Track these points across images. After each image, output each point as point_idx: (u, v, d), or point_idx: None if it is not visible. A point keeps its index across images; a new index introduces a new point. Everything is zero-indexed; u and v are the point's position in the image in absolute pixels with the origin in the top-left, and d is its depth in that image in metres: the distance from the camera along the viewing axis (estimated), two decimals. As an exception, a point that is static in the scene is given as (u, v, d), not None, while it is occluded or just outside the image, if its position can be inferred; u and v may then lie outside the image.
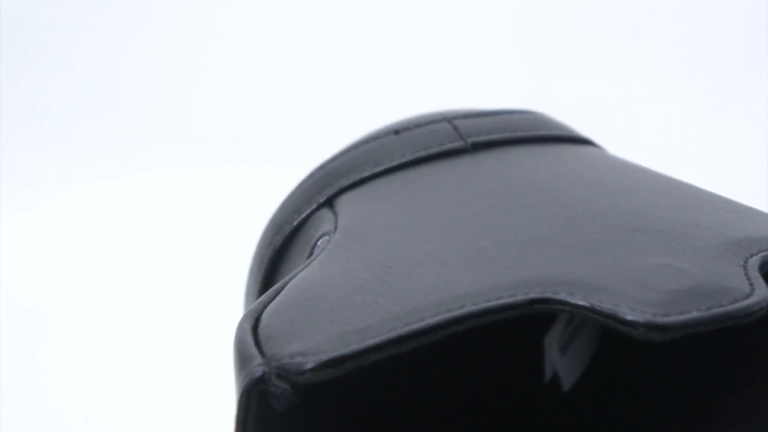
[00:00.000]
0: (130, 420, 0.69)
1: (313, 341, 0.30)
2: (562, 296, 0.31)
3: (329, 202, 0.46)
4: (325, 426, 0.45)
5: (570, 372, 0.49)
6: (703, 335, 0.43)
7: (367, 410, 0.49)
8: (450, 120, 0.50)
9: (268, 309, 0.33)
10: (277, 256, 0.48)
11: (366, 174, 0.47)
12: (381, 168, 0.47)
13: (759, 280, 0.32)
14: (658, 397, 0.51)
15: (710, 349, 0.48)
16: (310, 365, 0.29)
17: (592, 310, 0.30)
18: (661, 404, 0.51)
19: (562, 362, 0.48)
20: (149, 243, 0.92)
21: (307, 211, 0.47)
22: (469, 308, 0.30)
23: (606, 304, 0.30)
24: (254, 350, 0.31)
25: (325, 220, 0.45)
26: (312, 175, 0.49)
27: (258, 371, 0.29)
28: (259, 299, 0.35)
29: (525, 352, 0.51)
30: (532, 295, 0.31)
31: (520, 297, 0.31)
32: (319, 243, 0.42)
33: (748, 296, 0.31)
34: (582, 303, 0.31)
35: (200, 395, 0.67)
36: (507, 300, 0.31)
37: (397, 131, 0.49)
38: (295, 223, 0.47)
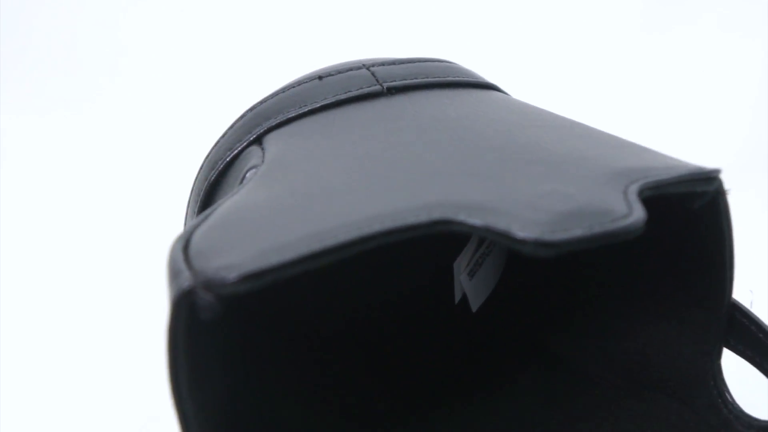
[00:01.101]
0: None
1: (236, 257, 0.31)
2: (461, 217, 0.32)
3: (258, 140, 0.47)
4: (248, 340, 0.46)
5: (477, 295, 0.51)
6: (603, 258, 0.44)
7: (288, 324, 0.51)
8: (368, 67, 0.51)
9: (197, 231, 0.34)
10: (212, 189, 0.49)
11: (291, 114, 0.48)
12: (305, 109, 0.48)
13: (637, 204, 0.34)
14: (560, 317, 0.53)
15: (609, 271, 0.50)
16: (232, 278, 0.30)
17: (488, 230, 0.32)
18: (562, 323, 0.53)
19: (470, 285, 0.50)
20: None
21: (239, 148, 0.48)
22: (377, 227, 0.31)
23: (500, 224, 0.31)
24: (183, 266, 0.31)
25: (254, 155, 0.46)
26: (243, 116, 0.50)
27: (186, 283, 0.30)
28: (191, 223, 0.36)
29: (439, 277, 0.52)
30: (435, 216, 0.32)
31: (424, 218, 0.32)
32: (247, 175, 0.43)
33: (626, 217, 0.32)
34: (479, 223, 0.32)
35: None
36: (411, 221, 0.32)
37: (320, 77, 0.50)
38: (227, 159, 0.48)
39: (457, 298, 0.50)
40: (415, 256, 0.54)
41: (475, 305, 0.50)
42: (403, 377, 0.52)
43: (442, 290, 0.52)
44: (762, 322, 0.43)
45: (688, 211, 0.41)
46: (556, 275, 0.53)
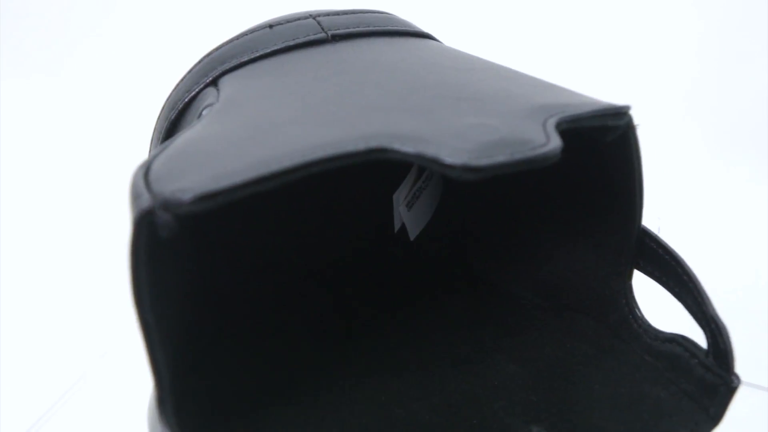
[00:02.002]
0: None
1: (191, 181, 0.32)
2: (395, 146, 0.34)
3: (214, 82, 0.49)
4: (208, 270, 0.48)
5: (415, 224, 0.52)
6: (528, 191, 0.46)
7: (246, 255, 0.52)
8: (315, 17, 0.52)
9: (157, 159, 0.35)
10: (172, 127, 0.50)
11: (244, 59, 0.49)
12: (257, 54, 0.49)
13: (554, 135, 0.36)
14: (491, 245, 0.55)
15: (534, 203, 0.52)
16: (187, 199, 0.31)
17: (419, 156, 0.33)
18: (493, 251, 0.55)
19: (408, 216, 0.51)
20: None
21: (196, 90, 0.49)
22: (319, 154, 0.33)
23: (430, 152, 0.33)
24: (144, 189, 0.33)
25: (209, 95, 0.47)
26: (200, 62, 0.51)
27: (145, 204, 0.32)
28: (151, 153, 0.37)
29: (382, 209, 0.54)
30: (372, 145, 0.34)
31: (362, 146, 0.34)
32: (204, 112, 0.45)
33: (544, 145, 0.34)
34: (411, 151, 0.33)
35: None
36: (351, 148, 0.34)
37: (270, 26, 0.52)
38: (186, 100, 0.50)
39: (397, 227, 0.52)
40: (361, 191, 0.56)
41: (413, 233, 0.52)
42: (348, 299, 0.54)
43: (385, 220, 0.53)
44: (668, 246, 0.45)
45: (602, 145, 0.43)
46: (486, 208, 0.55)
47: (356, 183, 0.55)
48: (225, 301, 0.48)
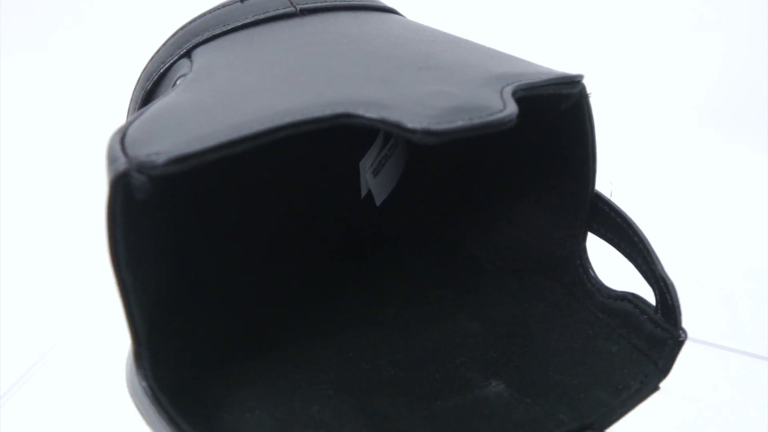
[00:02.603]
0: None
1: (164, 144, 0.33)
2: (360, 112, 0.34)
3: (188, 54, 0.49)
4: (183, 233, 0.48)
5: (380, 191, 0.53)
6: (489, 160, 0.47)
7: (220, 220, 0.53)
8: None
9: (132, 125, 0.36)
10: (147, 97, 0.51)
11: (217, 32, 0.50)
12: (228, 27, 0.50)
13: (510, 101, 0.36)
14: (455, 212, 0.56)
15: (495, 171, 0.53)
16: (161, 161, 0.32)
17: (382, 121, 0.34)
18: (457, 217, 0.56)
19: (374, 183, 0.52)
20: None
21: (170, 62, 0.50)
22: (287, 119, 0.34)
23: (393, 117, 0.34)
24: (120, 153, 0.33)
25: (183, 66, 0.48)
26: (174, 35, 0.52)
27: (122, 167, 0.32)
28: (127, 120, 0.38)
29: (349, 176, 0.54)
30: (338, 110, 0.34)
31: (328, 112, 0.34)
32: (177, 82, 0.45)
33: (501, 111, 0.35)
34: (375, 116, 0.34)
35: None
36: (317, 114, 0.34)
37: (242, 0, 0.52)
38: (161, 71, 0.50)
39: (363, 193, 0.52)
40: (328, 160, 0.57)
41: (378, 200, 0.53)
42: (317, 262, 0.55)
43: (352, 187, 0.54)
44: (620, 209, 0.46)
45: (557, 113, 0.44)
46: (448, 175, 0.55)
47: (327, 152, 0.56)
48: (200, 262, 0.49)
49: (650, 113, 0.90)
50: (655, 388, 0.44)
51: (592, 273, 0.48)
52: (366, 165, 0.50)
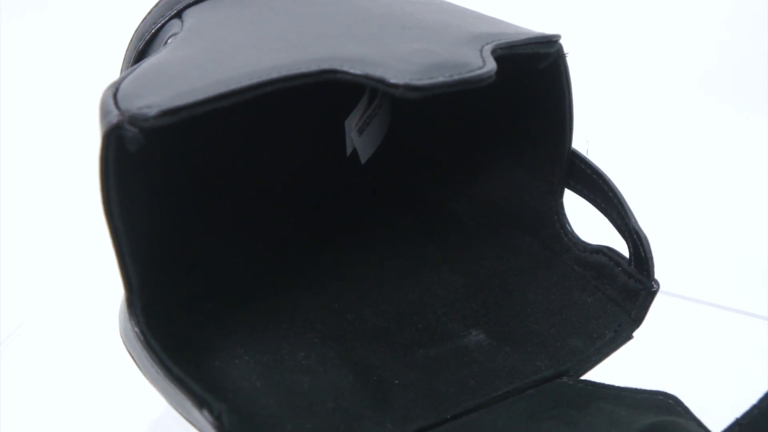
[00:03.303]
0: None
1: (156, 98, 0.33)
2: (345, 68, 0.35)
3: (178, 15, 0.49)
4: (173, 188, 0.49)
5: (365, 149, 0.54)
6: (469, 119, 0.47)
7: (209, 178, 0.53)
8: None
9: (125, 80, 0.36)
10: (140, 56, 0.51)
11: None
12: None
13: (490, 59, 0.37)
14: (436, 170, 0.56)
15: (474, 130, 0.53)
16: (153, 113, 0.32)
17: (365, 77, 0.34)
18: (438, 174, 0.56)
19: (359, 141, 0.52)
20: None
21: (162, 22, 0.50)
22: (274, 75, 0.34)
23: (376, 73, 0.34)
24: (113, 107, 0.34)
25: (174, 26, 0.48)
26: (166, -4, 0.52)
27: (114, 119, 0.32)
28: (120, 76, 0.38)
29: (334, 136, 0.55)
30: (323, 66, 0.35)
31: (314, 68, 0.35)
32: (169, 41, 0.45)
33: (480, 68, 0.36)
34: (359, 72, 0.35)
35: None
36: (304, 70, 0.35)
37: (232, -38, 0.52)
38: (153, 31, 0.50)
39: (348, 151, 0.53)
40: (315, 119, 0.57)
41: (363, 158, 0.53)
42: (306, 217, 0.55)
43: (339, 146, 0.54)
44: (596, 166, 0.47)
45: (535, 72, 0.44)
46: (431, 136, 0.56)
47: (314, 112, 0.56)
48: (190, 217, 0.49)
49: (632, 70, 0.90)
50: (629, 337, 0.45)
51: (568, 228, 0.49)
52: (351, 124, 0.51)
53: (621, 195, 0.45)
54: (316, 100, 0.55)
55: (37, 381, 0.54)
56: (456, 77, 0.34)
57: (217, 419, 0.34)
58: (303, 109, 0.56)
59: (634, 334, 0.45)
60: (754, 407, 0.40)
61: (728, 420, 0.41)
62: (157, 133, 0.33)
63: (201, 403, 0.35)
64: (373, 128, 0.52)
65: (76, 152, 0.66)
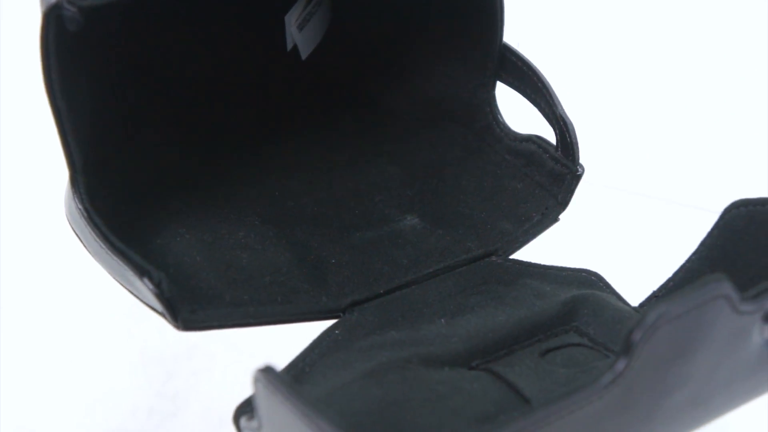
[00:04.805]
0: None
1: None
2: None
3: None
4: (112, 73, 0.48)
5: (306, 45, 0.54)
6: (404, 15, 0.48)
7: (153, 68, 0.53)
8: None
9: None
10: None
11: None
12: None
13: None
14: (374, 65, 0.57)
15: (409, 24, 0.53)
16: None
17: None
18: (376, 70, 0.57)
19: (299, 37, 0.52)
20: None
21: None
22: None
23: None
24: None
25: None
26: None
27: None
28: None
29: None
30: None
31: None
32: None
33: None
34: None
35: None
36: None
37: None
38: None
39: (289, 46, 0.53)
40: (258, 13, 0.56)
41: (304, 53, 0.54)
42: (245, 113, 0.55)
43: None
44: (526, 58, 0.48)
45: None
46: (369, 33, 0.56)
47: (258, 5, 0.55)
48: (133, 108, 0.49)
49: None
50: (555, 220, 0.46)
51: (500, 119, 0.50)
52: (291, 19, 0.51)
53: (549, 85, 0.46)
54: None
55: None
56: None
57: (157, 286, 0.35)
58: (244, 4, 0.55)
59: (562, 218, 0.46)
60: (669, 280, 0.42)
61: (646, 295, 0.43)
62: (96, 16, 0.33)
63: (142, 271, 0.35)
64: (313, 24, 0.52)
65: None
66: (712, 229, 0.40)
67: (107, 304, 0.57)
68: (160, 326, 0.52)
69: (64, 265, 0.59)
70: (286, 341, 0.41)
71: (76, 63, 0.37)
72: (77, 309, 0.57)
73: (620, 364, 0.27)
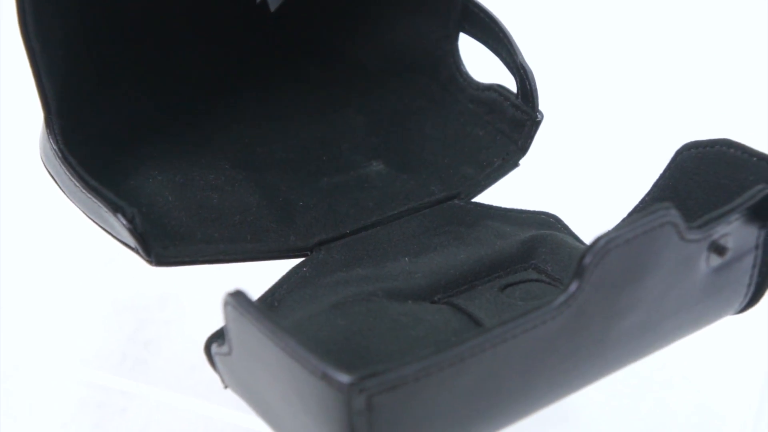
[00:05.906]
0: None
1: None
2: None
3: None
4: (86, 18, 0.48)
5: (274, -1, 0.54)
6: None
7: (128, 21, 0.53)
8: None
9: None
10: None
11: None
12: None
13: None
14: (341, 19, 0.57)
15: None
16: None
17: None
18: (344, 24, 0.57)
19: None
20: None
21: None
22: None
23: None
24: None
25: None
26: None
27: None
28: None
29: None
30: None
31: None
32: None
33: None
34: None
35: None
36: None
37: None
38: None
39: (258, -1, 0.53)
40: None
41: (273, 6, 0.54)
42: (215, 64, 0.56)
43: None
44: (488, 10, 0.48)
45: None
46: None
47: None
48: (107, 57, 0.49)
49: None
50: (515, 165, 0.47)
51: (463, 69, 0.50)
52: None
53: (510, 34, 0.47)
54: None
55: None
56: None
57: (131, 222, 0.36)
58: None
59: (522, 162, 0.47)
60: (623, 221, 0.43)
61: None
62: None
63: (115, 207, 0.36)
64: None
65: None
66: (664, 171, 0.41)
67: (80, 255, 0.57)
68: (132, 276, 0.53)
69: (37, 214, 0.58)
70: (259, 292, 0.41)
71: (51, 8, 0.38)
72: (51, 257, 0.57)
73: (572, 286, 0.28)
